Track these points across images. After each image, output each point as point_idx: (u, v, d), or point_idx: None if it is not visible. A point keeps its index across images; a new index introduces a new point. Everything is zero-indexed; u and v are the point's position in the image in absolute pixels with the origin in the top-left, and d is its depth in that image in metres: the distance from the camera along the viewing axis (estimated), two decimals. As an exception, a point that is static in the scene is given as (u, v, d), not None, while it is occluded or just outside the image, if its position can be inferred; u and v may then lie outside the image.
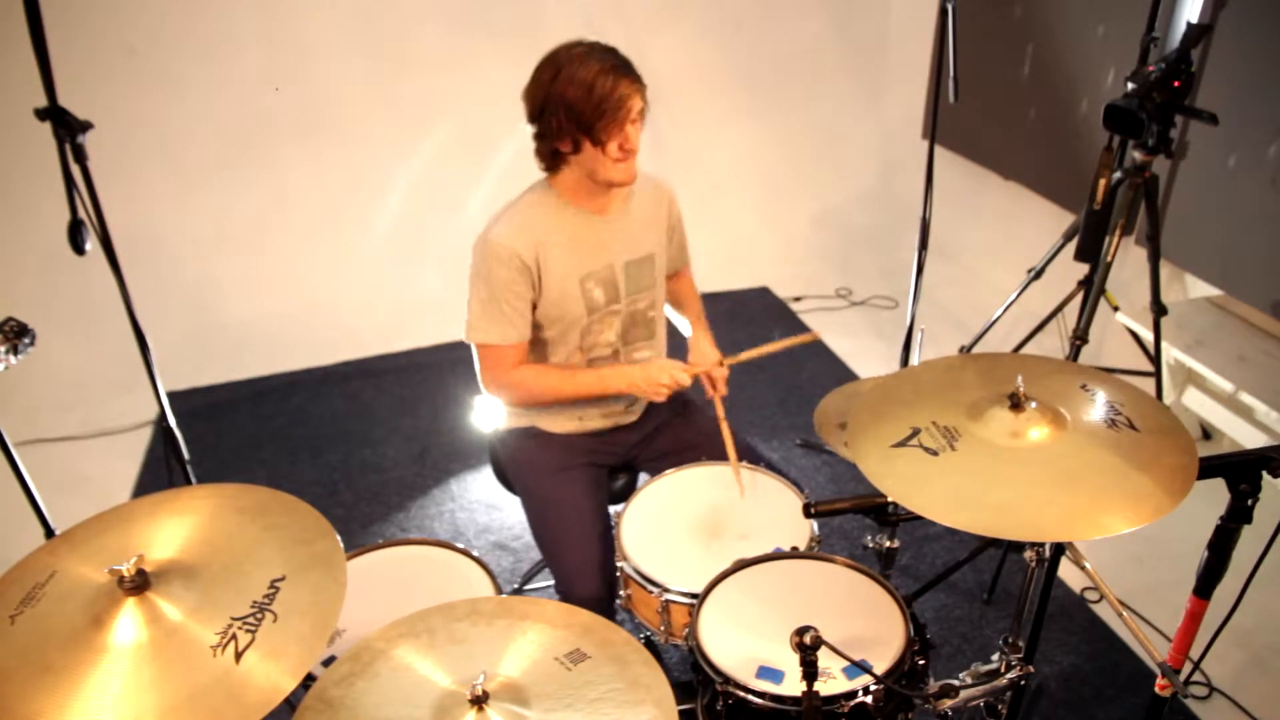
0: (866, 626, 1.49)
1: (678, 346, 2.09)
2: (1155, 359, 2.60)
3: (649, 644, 1.78)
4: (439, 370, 3.62)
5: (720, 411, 1.96)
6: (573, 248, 1.86)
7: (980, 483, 1.24)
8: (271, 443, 3.28)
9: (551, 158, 1.82)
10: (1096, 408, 1.34)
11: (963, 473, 1.25)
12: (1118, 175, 2.41)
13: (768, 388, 3.45)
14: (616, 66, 1.71)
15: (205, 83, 3.46)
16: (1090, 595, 2.46)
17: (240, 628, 1.13)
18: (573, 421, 2.02)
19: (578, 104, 1.70)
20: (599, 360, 1.98)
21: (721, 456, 1.94)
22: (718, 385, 1.99)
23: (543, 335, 1.93)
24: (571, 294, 1.88)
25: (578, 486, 1.95)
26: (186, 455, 2.34)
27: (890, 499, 1.33)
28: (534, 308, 1.88)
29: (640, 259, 1.95)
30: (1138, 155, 2.35)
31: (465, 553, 1.75)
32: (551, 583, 1.98)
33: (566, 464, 1.98)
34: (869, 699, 1.36)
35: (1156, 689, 1.48)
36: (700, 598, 1.56)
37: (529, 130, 1.81)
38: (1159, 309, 2.52)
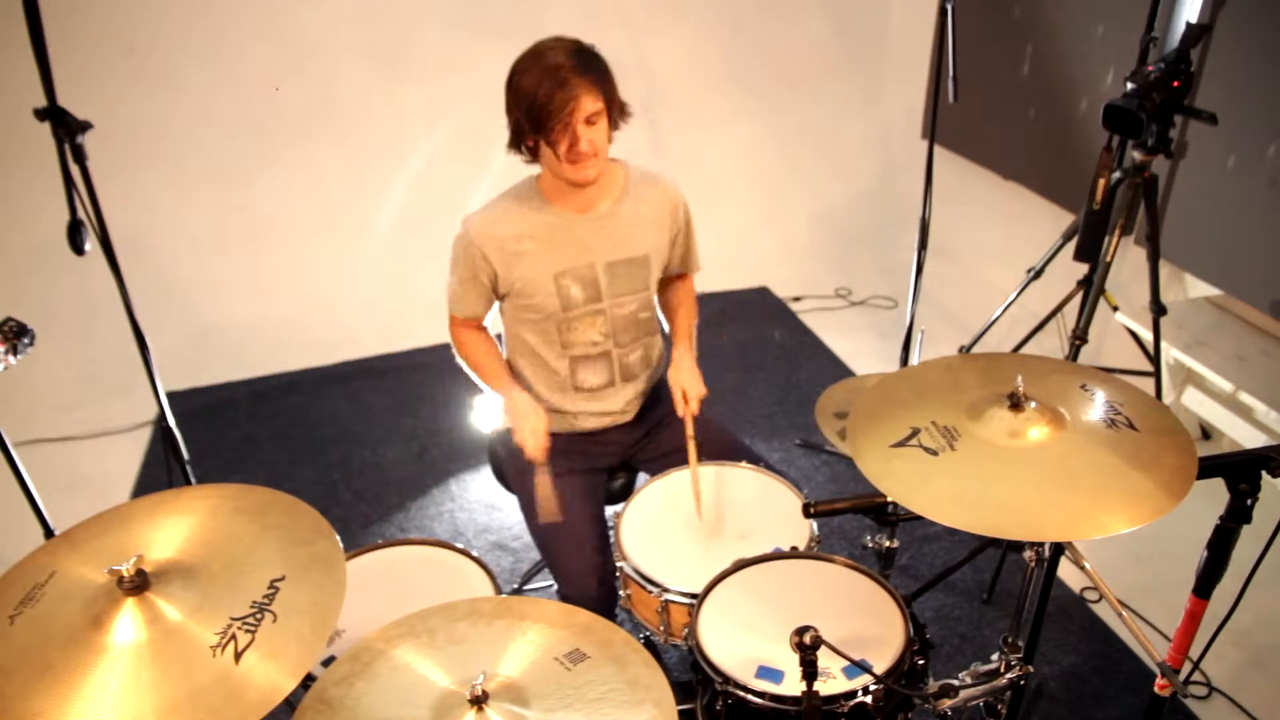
0: (866, 626, 1.49)
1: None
2: (1155, 359, 2.60)
3: (649, 644, 1.78)
4: (439, 370, 3.62)
5: (689, 430, 1.89)
6: (548, 244, 1.87)
7: (980, 483, 1.24)
8: (271, 443, 3.27)
9: (526, 151, 1.83)
10: (1096, 408, 1.34)
11: (962, 473, 1.25)
12: (1117, 175, 2.41)
13: (767, 388, 3.45)
14: (565, 66, 1.68)
15: (205, 83, 3.46)
16: (1090, 595, 2.46)
17: (240, 628, 1.13)
18: (567, 421, 2.02)
19: (525, 102, 1.71)
20: (584, 359, 1.97)
21: (720, 455, 1.94)
22: (690, 403, 1.91)
23: (525, 318, 1.94)
24: (545, 289, 1.88)
25: (574, 492, 1.94)
26: (186, 455, 2.34)
27: (890, 499, 1.33)
28: (502, 296, 1.94)
29: (630, 259, 1.93)
30: (1137, 155, 2.35)
31: (465, 553, 1.75)
32: (550, 583, 1.98)
33: (563, 469, 1.96)
34: (869, 699, 1.36)
35: (1156, 689, 1.48)
36: (700, 598, 1.56)
37: None
38: (1158, 309, 2.52)
